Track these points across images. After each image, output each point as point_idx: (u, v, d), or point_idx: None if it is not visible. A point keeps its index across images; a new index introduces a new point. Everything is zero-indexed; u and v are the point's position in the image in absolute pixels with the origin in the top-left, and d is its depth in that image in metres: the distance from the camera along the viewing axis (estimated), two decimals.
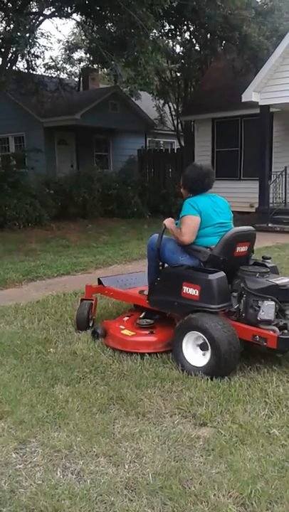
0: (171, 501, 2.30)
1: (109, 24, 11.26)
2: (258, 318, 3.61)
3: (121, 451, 2.69)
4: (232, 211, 4.26)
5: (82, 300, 4.74)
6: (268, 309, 3.58)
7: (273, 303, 3.60)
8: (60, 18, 12.46)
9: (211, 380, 3.48)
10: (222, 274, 3.74)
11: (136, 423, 2.97)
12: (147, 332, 4.11)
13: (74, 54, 20.97)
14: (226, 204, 4.23)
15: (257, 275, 3.79)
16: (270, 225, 11.92)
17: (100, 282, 4.85)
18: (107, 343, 4.17)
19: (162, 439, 2.81)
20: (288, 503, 2.28)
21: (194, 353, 3.69)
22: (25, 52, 9.96)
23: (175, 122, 18.97)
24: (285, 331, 3.61)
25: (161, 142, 21.45)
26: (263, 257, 4.21)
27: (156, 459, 2.62)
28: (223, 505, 2.28)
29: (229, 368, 3.58)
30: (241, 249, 4.01)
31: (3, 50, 10.83)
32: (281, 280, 3.76)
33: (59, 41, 29.45)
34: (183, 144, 18.19)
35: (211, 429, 2.93)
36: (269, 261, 4.18)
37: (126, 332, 4.11)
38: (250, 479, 2.44)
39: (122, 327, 4.19)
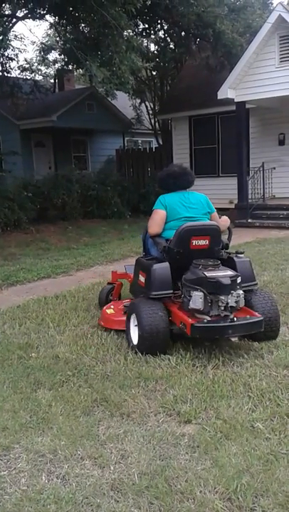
0: (157, 500, 2.30)
1: (83, 25, 11.21)
2: (188, 307, 3.88)
3: (106, 453, 2.68)
4: (218, 208, 4.48)
5: (107, 283, 5.39)
6: (195, 299, 3.83)
7: (201, 293, 3.81)
8: (34, 19, 12.37)
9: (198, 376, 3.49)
10: (165, 264, 4.12)
11: (120, 424, 2.97)
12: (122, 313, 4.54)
13: (48, 55, 20.82)
14: (202, 200, 4.41)
15: (200, 267, 3.98)
16: (249, 220, 12.01)
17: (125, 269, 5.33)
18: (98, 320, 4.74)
19: (147, 438, 2.80)
20: (274, 496, 2.30)
21: (134, 333, 4.06)
22: None
23: (152, 121, 18.99)
24: (205, 321, 3.86)
25: (140, 141, 21.44)
26: (236, 252, 4.41)
27: (142, 459, 2.61)
28: (210, 501, 2.29)
29: (153, 348, 3.90)
30: (199, 242, 4.15)
31: None
32: (213, 273, 3.89)
33: (33, 43, 29.17)
34: (161, 142, 18.22)
35: (195, 426, 2.93)
36: (241, 255, 4.34)
37: (109, 311, 4.68)
38: (235, 474, 2.45)
39: (111, 307, 4.76)
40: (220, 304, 3.81)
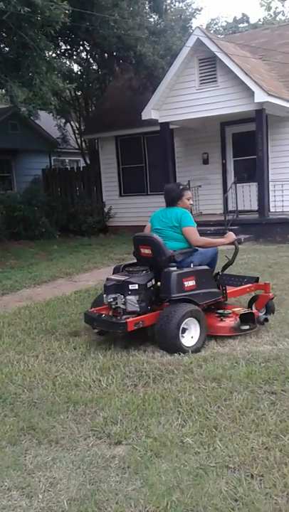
0: None
1: (2, 45, 11.08)
2: None
3: (34, 482, 2.59)
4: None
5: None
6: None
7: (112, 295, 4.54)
8: None
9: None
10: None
11: (49, 451, 2.88)
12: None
13: None
14: (172, 215, 4.83)
15: (124, 271, 4.77)
16: None
17: None
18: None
19: (77, 463, 2.74)
20: (204, 510, 2.32)
21: None
22: None
23: (79, 141, 19.01)
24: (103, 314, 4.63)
25: (67, 161, 21.37)
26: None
27: (71, 485, 2.55)
28: None
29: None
30: (145, 251, 4.76)
31: None
32: (114, 276, 4.69)
33: None
34: (88, 161, 18.26)
35: (126, 446, 2.91)
36: (173, 268, 4.55)
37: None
38: (165, 491, 2.45)
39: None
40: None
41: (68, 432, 3.08)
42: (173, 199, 4.94)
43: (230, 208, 12.73)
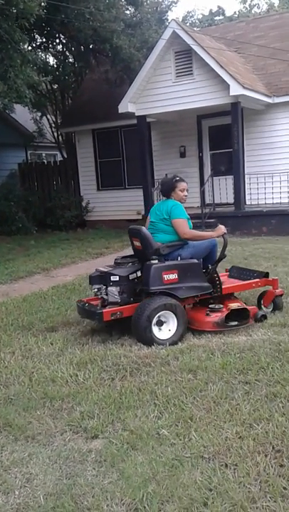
0: None
1: None
2: None
3: (10, 478, 2.60)
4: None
5: None
6: None
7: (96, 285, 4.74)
8: None
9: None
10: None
11: (25, 447, 2.89)
12: None
13: None
14: (163, 208, 4.90)
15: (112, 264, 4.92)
16: None
17: None
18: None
19: (53, 458, 2.76)
20: (179, 501, 2.35)
21: None
22: None
23: (55, 134, 18.83)
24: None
25: (44, 155, 21.16)
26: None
27: (48, 480, 2.56)
28: None
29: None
30: (136, 243, 4.87)
31: None
32: (102, 268, 4.81)
33: None
34: (65, 155, 18.11)
35: (102, 440, 2.93)
36: (155, 261, 4.59)
37: None
38: (141, 483, 2.48)
39: None
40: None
41: (45, 427, 3.09)
42: (166, 191, 5.01)
43: (207, 201, 12.82)
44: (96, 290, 4.73)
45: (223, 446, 2.75)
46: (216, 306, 4.76)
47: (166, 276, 4.53)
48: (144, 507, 2.32)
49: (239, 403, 3.21)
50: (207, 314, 4.70)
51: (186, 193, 5.02)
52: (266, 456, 2.64)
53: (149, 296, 4.54)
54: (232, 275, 5.51)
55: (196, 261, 4.79)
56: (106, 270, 4.66)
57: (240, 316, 4.73)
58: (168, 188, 5.01)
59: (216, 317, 4.65)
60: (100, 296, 4.73)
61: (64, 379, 3.76)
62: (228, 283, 5.11)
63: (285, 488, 2.37)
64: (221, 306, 4.77)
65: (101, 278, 4.68)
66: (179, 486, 2.45)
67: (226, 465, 2.59)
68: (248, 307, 4.84)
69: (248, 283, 5.15)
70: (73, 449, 2.83)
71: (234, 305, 4.78)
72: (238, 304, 4.85)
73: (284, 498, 2.31)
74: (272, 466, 2.54)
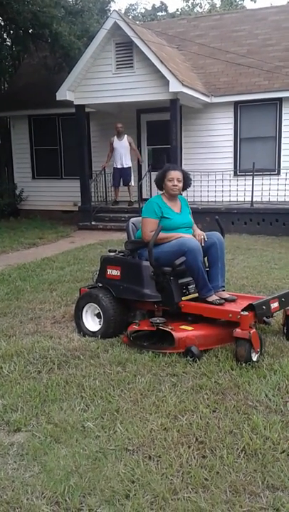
0: None
1: None
2: None
3: None
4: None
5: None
6: None
7: None
8: None
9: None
10: None
11: None
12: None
13: None
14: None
15: None
16: (93, 222, 12.16)
17: None
18: None
19: None
20: (101, 493, 2.33)
21: None
22: None
23: None
24: None
25: None
26: (109, 250, 4.77)
27: None
28: (36, 507, 2.24)
29: None
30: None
31: None
32: None
33: None
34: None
35: (25, 433, 2.85)
36: (111, 254, 4.67)
37: None
38: (63, 476, 2.44)
39: None
40: None
41: None
42: (157, 184, 4.55)
43: (145, 196, 12.85)
44: None
45: (148, 438, 2.76)
46: (157, 320, 4.03)
47: (109, 271, 4.49)
48: (66, 500, 2.28)
49: (166, 395, 3.23)
50: (135, 324, 4.21)
51: (175, 182, 4.37)
52: (189, 447, 2.67)
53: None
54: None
55: (144, 263, 4.26)
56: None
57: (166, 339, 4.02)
58: (158, 180, 4.51)
59: (130, 328, 4.16)
60: None
61: None
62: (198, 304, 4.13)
63: (206, 479, 2.41)
64: (162, 320, 4.03)
65: None
66: (101, 479, 2.42)
67: (150, 457, 2.60)
68: (172, 332, 3.90)
69: (220, 309, 4.00)
70: None
71: (170, 326, 3.96)
72: (189, 327, 3.99)
73: (205, 489, 2.35)
74: (194, 458, 2.58)
